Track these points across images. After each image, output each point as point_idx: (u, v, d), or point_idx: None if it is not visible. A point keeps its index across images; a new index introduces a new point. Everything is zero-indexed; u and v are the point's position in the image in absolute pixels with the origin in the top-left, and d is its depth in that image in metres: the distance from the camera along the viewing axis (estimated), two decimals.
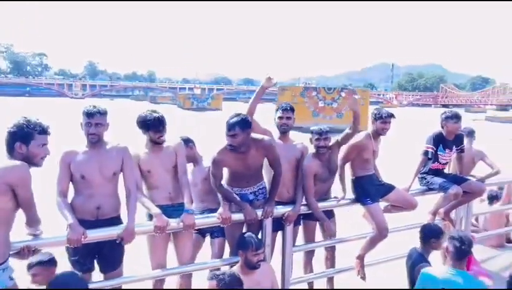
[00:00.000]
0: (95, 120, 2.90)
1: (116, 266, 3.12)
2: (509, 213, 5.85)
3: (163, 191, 3.32)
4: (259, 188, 3.55)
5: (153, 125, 3.22)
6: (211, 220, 3.33)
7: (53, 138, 2.67)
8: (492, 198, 5.51)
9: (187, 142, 3.77)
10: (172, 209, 3.25)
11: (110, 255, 3.07)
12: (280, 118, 3.72)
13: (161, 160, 3.30)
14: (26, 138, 2.49)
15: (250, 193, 3.51)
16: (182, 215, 3.15)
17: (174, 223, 3.13)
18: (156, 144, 3.29)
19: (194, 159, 3.88)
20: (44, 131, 2.58)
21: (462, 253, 2.95)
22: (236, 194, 3.47)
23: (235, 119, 3.16)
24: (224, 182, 3.51)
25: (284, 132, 3.76)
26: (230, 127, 3.15)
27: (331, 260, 4.16)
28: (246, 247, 3.10)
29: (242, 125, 3.14)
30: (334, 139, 3.82)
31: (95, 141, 2.94)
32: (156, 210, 3.08)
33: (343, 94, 30.19)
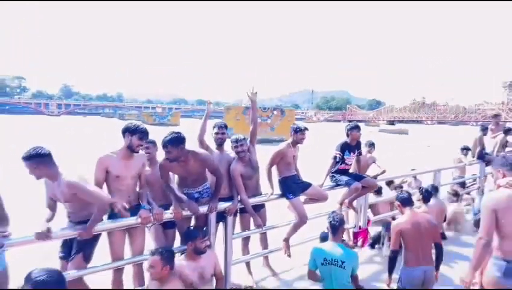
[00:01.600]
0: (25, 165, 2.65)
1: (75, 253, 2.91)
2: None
3: (125, 195, 3.11)
4: (204, 188, 3.50)
5: (140, 132, 3.00)
6: (166, 215, 3.18)
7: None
8: (379, 191, 5.83)
9: (155, 143, 3.56)
10: (129, 210, 3.04)
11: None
12: (216, 133, 3.82)
13: (130, 168, 3.09)
14: None
15: (196, 192, 3.46)
16: (140, 211, 3.00)
17: (132, 220, 2.97)
18: (131, 151, 3.04)
19: (154, 160, 3.58)
20: None
21: (334, 228, 3.13)
22: (185, 193, 3.41)
23: (168, 138, 3.05)
24: (176, 182, 3.45)
25: (220, 144, 3.84)
26: (163, 145, 3.07)
27: (264, 243, 4.20)
28: (195, 237, 3.01)
29: (173, 142, 3.04)
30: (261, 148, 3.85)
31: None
32: (126, 214, 2.95)
33: (275, 112, 30.90)
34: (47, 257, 3.09)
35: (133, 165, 3.09)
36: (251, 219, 3.91)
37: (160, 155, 3.42)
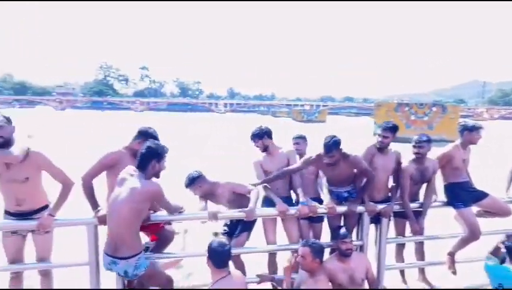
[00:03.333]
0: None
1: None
2: None
3: (273, 186, 3.33)
4: (353, 188, 3.32)
5: (252, 137, 3.37)
6: (320, 210, 3.21)
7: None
8: None
9: (305, 138, 3.69)
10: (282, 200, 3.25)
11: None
12: (379, 135, 3.43)
13: (274, 164, 3.35)
14: (161, 158, 2.55)
15: (345, 191, 3.32)
16: (299, 206, 3.13)
17: (293, 210, 3.14)
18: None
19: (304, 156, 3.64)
20: (167, 152, 2.63)
21: None
22: (333, 191, 3.31)
23: (331, 142, 2.95)
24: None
25: (379, 147, 3.40)
26: (329, 150, 2.95)
27: (420, 254, 3.72)
28: (335, 237, 2.98)
29: (337, 146, 2.97)
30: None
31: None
32: (278, 199, 3.15)
33: (434, 109, 27.05)
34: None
35: (277, 161, 3.34)
36: (406, 225, 3.54)
37: (310, 150, 3.52)
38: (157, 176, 2.58)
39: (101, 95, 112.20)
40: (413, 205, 3.41)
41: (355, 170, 3.26)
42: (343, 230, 3.02)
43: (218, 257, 2.47)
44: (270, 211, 3.16)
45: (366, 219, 3.28)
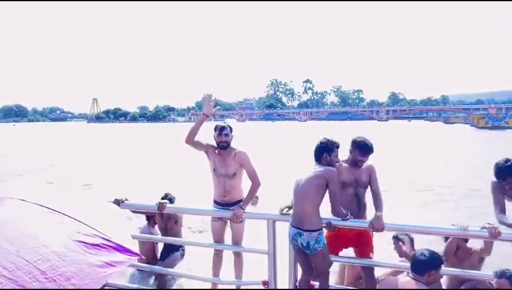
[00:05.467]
0: None
1: None
2: None
3: None
4: None
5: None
6: None
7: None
8: None
9: None
10: None
11: None
12: None
13: None
14: (331, 151, 2.75)
15: None
16: (486, 224, 2.62)
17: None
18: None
19: None
20: (338, 146, 2.80)
21: None
22: None
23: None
24: None
25: None
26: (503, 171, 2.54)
27: None
28: None
29: None
30: None
31: None
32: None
33: None
34: None
35: None
36: None
37: None
38: (332, 166, 2.76)
39: (271, 107, 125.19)
40: None
41: None
42: None
43: (413, 262, 2.40)
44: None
45: None
